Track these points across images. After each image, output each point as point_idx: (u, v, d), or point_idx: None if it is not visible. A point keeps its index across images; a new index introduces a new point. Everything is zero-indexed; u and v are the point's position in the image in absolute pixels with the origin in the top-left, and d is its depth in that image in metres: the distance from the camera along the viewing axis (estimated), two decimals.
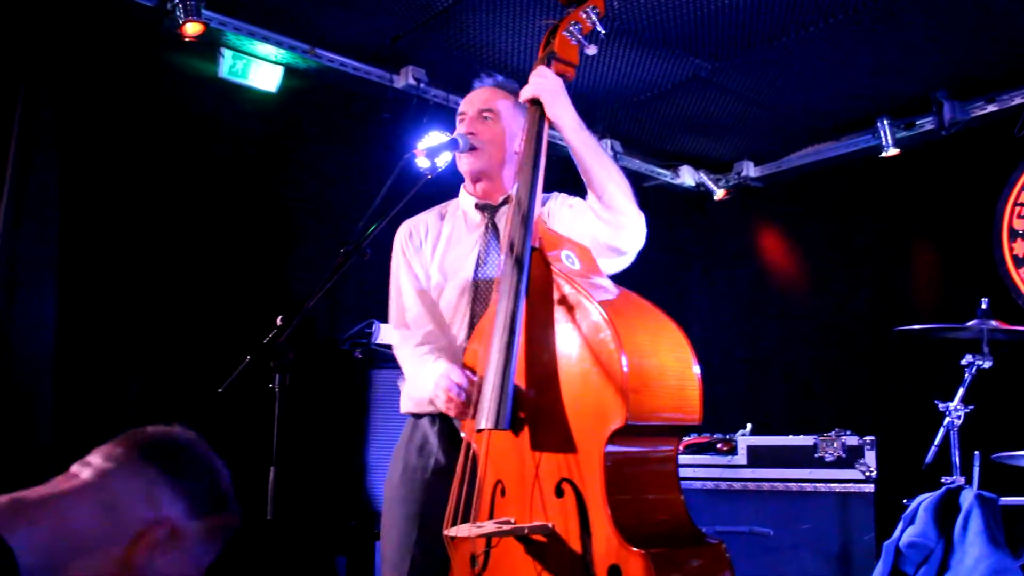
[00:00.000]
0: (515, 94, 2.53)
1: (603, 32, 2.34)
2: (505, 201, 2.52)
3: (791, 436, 4.28)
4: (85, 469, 1.21)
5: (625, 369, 1.81)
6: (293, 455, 1.97)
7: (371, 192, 2.16)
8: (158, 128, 4.18)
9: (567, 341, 1.95)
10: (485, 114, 2.51)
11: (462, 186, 2.63)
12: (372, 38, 4.52)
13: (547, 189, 2.36)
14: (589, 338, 1.90)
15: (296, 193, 4.72)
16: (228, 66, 4.34)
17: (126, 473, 1.20)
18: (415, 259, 2.54)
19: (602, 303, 1.92)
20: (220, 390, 1.92)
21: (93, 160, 4.00)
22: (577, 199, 2.47)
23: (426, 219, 2.62)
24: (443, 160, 2.51)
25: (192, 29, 3.98)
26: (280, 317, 1.98)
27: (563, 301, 1.99)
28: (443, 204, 2.67)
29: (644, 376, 1.86)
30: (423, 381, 2.32)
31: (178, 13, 3.97)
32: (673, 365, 1.95)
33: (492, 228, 2.51)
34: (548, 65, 2.31)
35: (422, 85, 4.77)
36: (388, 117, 4.90)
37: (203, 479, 1.28)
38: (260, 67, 4.42)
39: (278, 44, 4.39)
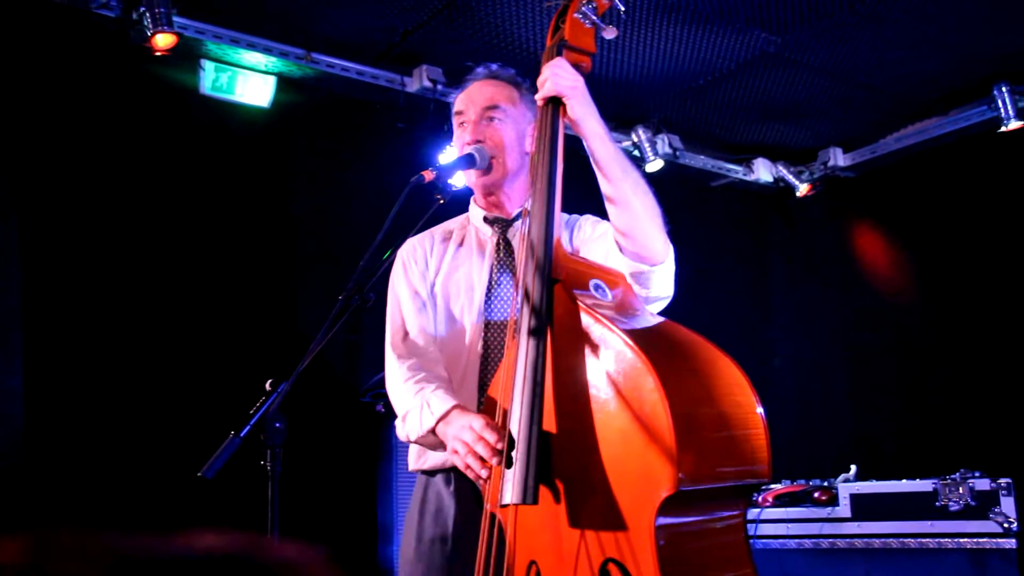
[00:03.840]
0: (517, 85, 2.47)
1: (622, 9, 2.19)
2: (520, 215, 2.44)
3: (905, 481, 4.11)
4: None
5: (671, 422, 1.69)
6: (301, 528, 1.95)
7: (387, 216, 2.12)
8: (133, 158, 4.02)
9: (601, 392, 1.83)
10: (490, 114, 2.41)
11: (472, 198, 2.55)
12: (377, 36, 4.47)
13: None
14: (626, 387, 1.79)
15: (302, 224, 4.62)
16: (211, 80, 4.25)
17: None
18: (419, 281, 2.46)
19: (640, 343, 1.79)
20: (203, 474, 1.87)
21: (56, 205, 3.86)
22: (608, 223, 2.32)
23: (432, 236, 2.54)
24: (458, 180, 2.47)
25: (163, 41, 3.83)
26: (269, 382, 1.95)
27: (593, 343, 1.87)
28: (450, 220, 2.57)
29: (696, 429, 1.74)
30: (424, 417, 2.20)
31: (146, 23, 3.81)
32: (731, 412, 1.82)
33: (505, 246, 2.42)
34: (560, 55, 2.16)
35: (439, 87, 4.65)
36: (403, 127, 4.80)
37: None
38: (248, 79, 4.35)
39: (267, 51, 4.31)
